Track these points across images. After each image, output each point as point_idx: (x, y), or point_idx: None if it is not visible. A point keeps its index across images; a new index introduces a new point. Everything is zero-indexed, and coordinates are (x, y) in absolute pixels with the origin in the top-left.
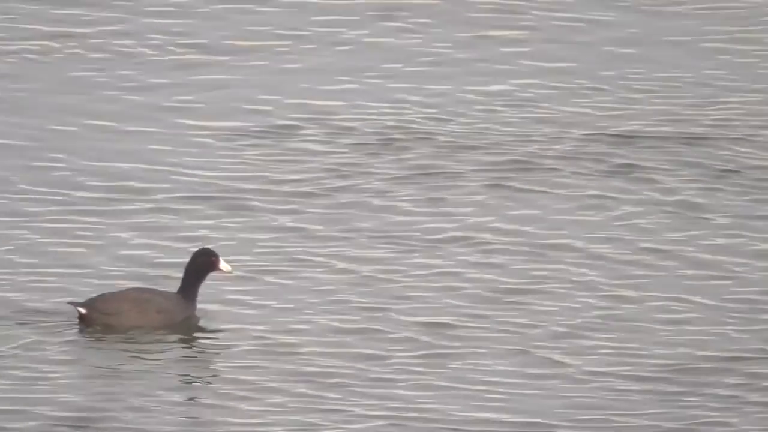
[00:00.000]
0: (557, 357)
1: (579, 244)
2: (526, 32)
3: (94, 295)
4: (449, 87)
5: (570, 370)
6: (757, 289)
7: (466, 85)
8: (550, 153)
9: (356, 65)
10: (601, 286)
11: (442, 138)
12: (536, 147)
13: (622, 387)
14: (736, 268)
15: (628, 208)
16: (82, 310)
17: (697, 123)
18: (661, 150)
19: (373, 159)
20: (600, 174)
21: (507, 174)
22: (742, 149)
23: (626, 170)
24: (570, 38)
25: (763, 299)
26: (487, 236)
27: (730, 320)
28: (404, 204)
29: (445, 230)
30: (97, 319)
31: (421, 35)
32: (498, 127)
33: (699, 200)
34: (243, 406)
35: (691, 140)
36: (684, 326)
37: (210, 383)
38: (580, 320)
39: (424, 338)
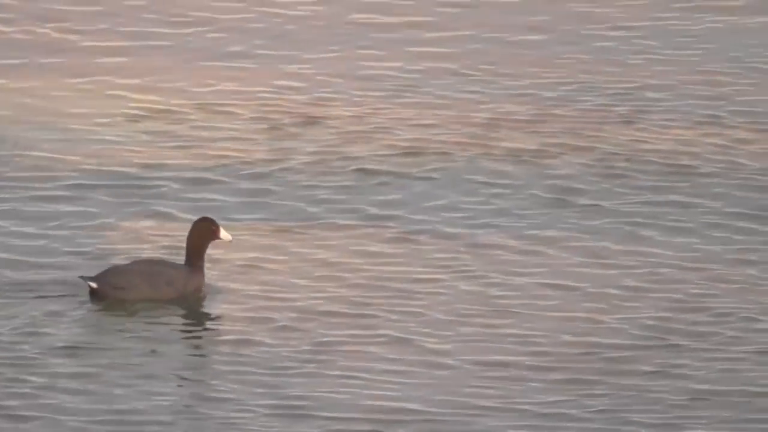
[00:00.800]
0: (439, 346)
1: (462, 231)
2: (412, 18)
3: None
4: (330, 71)
5: (449, 360)
6: (639, 276)
7: (348, 69)
8: (436, 138)
9: (238, 49)
10: (484, 274)
11: (326, 123)
12: (419, 132)
13: (506, 374)
14: (621, 257)
15: (511, 195)
16: (93, 285)
17: (582, 108)
18: (545, 134)
19: (256, 145)
20: (485, 159)
21: (390, 159)
22: (627, 134)
23: (512, 156)
24: (458, 24)
25: (645, 286)
26: (366, 223)
27: (614, 308)
28: (290, 190)
29: (324, 217)
30: (109, 292)
31: (304, 18)
32: (383, 111)
33: (583, 187)
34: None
35: (575, 125)
36: (568, 313)
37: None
38: (463, 308)
39: (308, 326)
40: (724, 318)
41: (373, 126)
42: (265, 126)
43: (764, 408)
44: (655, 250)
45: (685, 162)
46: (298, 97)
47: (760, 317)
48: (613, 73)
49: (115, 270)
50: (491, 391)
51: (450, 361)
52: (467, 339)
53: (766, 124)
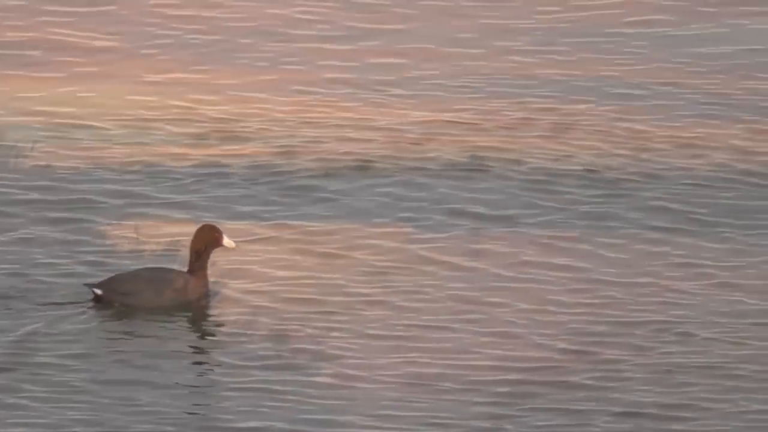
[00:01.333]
0: (367, 361)
1: (390, 244)
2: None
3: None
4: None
5: (377, 374)
6: (571, 290)
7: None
8: (363, 151)
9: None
10: (416, 289)
11: (258, 135)
12: (348, 146)
13: (437, 389)
14: (552, 270)
15: (436, 209)
16: (99, 291)
17: (507, 120)
18: (472, 148)
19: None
20: (412, 173)
21: (281, 170)
22: (552, 147)
23: (440, 169)
24: (351, 34)
25: (577, 301)
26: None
27: (545, 323)
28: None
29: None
30: (114, 299)
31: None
32: (272, 118)
33: (510, 200)
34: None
35: (501, 139)
36: (498, 329)
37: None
38: (392, 324)
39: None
40: (660, 332)
41: (302, 139)
42: (194, 138)
43: (700, 421)
44: (585, 264)
45: (613, 175)
46: (223, 108)
47: (697, 331)
48: (536, 86)
49: (119, 277)
50: (420, 405)
51: (377, 376)
52: (395, 353)
53: (687, 135)
